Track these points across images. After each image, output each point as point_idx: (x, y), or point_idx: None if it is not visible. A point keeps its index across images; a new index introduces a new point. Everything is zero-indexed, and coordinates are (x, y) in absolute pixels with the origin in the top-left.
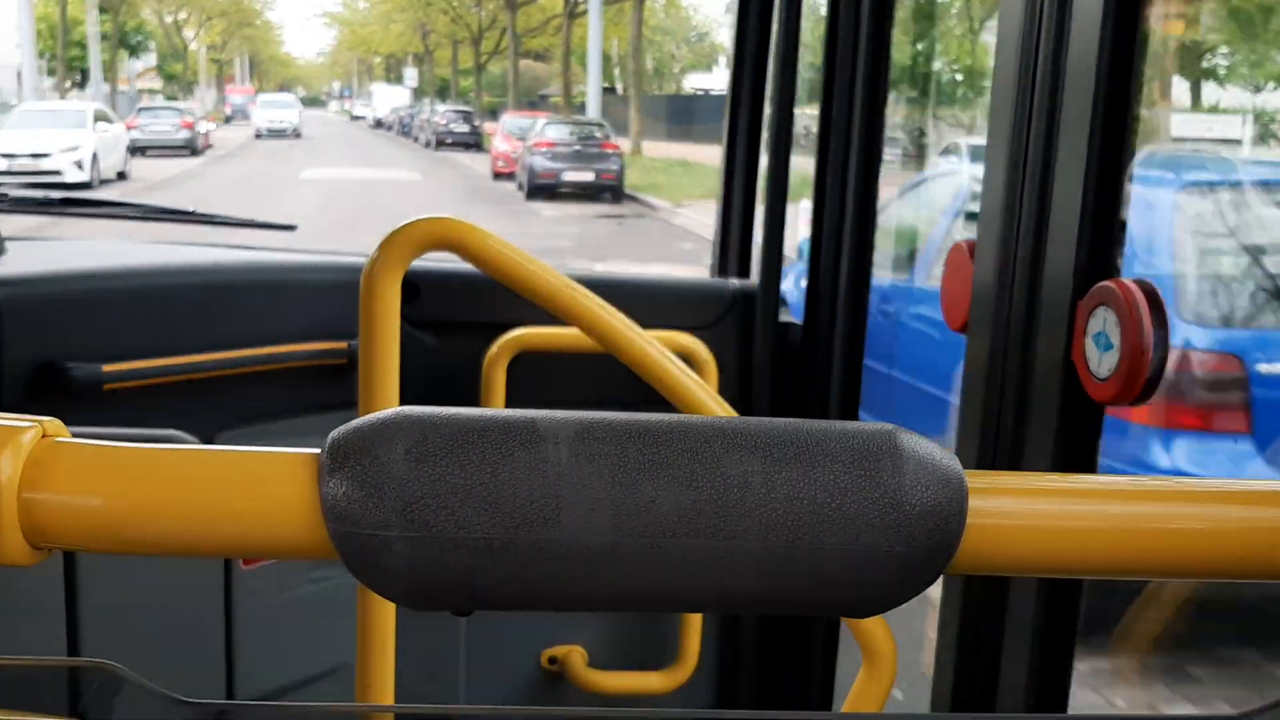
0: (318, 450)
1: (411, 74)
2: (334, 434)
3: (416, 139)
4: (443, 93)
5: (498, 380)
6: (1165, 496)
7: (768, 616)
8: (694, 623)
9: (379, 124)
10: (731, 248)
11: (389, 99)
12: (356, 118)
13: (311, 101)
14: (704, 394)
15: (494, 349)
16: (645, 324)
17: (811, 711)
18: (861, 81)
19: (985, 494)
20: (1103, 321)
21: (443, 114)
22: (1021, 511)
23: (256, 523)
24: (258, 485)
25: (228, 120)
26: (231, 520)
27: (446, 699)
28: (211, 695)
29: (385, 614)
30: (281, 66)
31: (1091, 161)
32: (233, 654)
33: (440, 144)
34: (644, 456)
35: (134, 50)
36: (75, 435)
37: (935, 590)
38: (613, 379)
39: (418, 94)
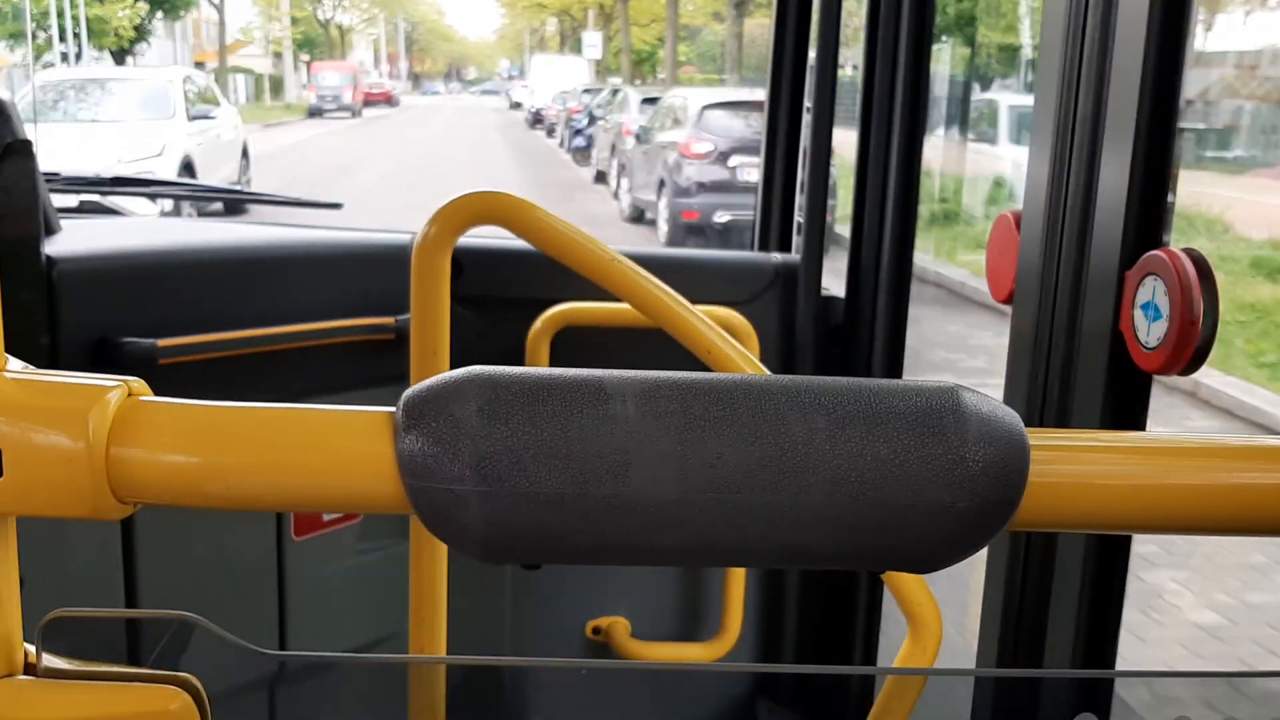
0: (393, 409)
1: (593, 40)
2: (408, 393)
3: (604, 176)
4: (640, 67)
5: (542, 355)
6: (1227, 453)
7: (810, 588)
8: (736, 594)
9: (537, 119)
10: (773, 222)
11: (554, 77)
12: (516, 105)
13: (481, 83)
14: (750, 368)
15: (538, 324)
16: (688, 298)
17: (858, 666)
18: (905, 51)
19: (1047, 451)
20: (1151, 291)
21: (707, 119)
22: (1083, 469)
23: (334, 478)
24: (335, 442)
25: (312, 115)
26: (310, 476)
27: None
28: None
29: (437, 582)
30: (443, 42)
31: (1140, 130)
32: (285, 624)
33: (696, 225)
34: (709, 413)
35: (167, 8)
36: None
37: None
38: (656, 353)
39: (600, 71)
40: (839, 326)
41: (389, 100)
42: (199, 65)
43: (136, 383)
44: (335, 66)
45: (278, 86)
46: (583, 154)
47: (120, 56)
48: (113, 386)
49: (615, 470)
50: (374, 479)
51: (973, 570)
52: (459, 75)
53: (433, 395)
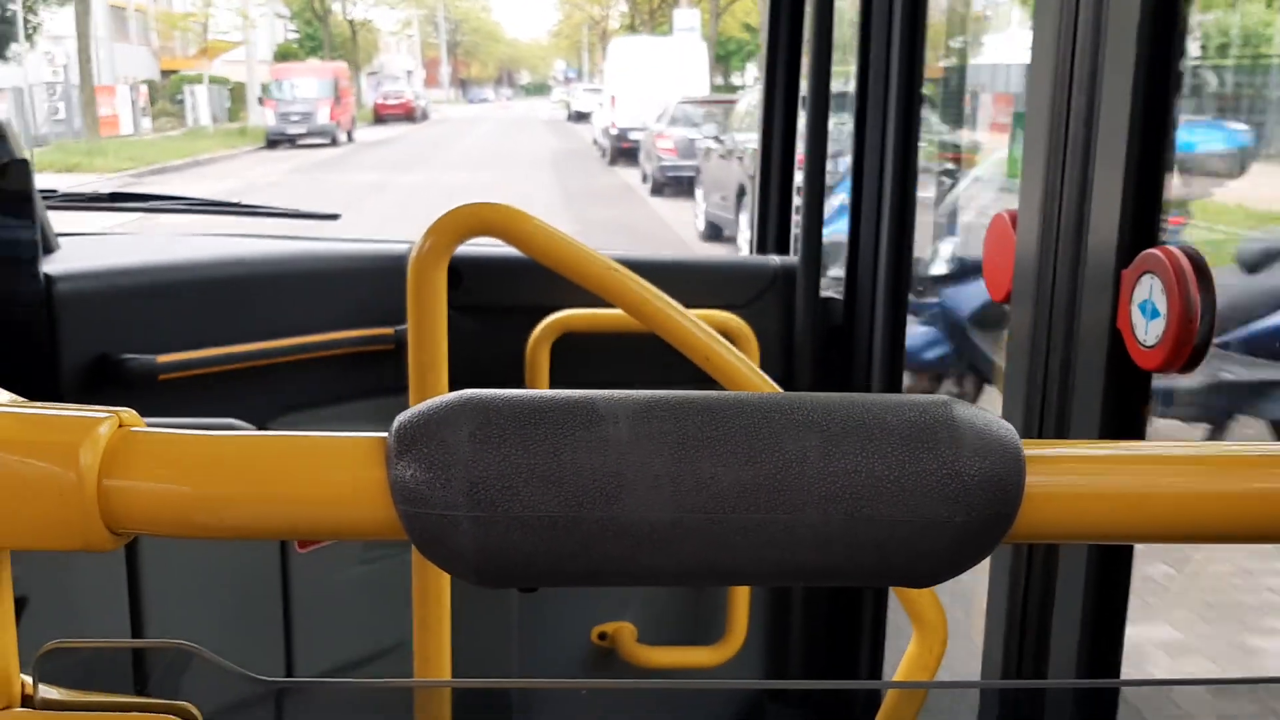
0: (384, 434)
1: (688, 19)
2: (400, 418)
3: None
4: (728, 60)
5: (542, 363)
6: (1222, 462)
7: (815, 591)
8: (742, 598)
9: (621, 145)
10: (771, 225)
11: (642, 74)
12: (578, 116)
13: (536, 89)
14: (749, 371)
15: (537, 332)
16: (686, 303)
17: (861, 680)
18: (898, 53)
19: (1042, 462)
20: (1149, 289)
21: None
22: (1079, 479)
23: (327, 505)
24: (328, 469)
25: (272, 144)
26: (303, 503)
27: (500, 675)
28: (272, 675)
29: (441, 593)
30: (492, 43)
31: (1134, 128)
32: (290, 635)
33: None
34: (703, 433)
35: None
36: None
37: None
38: (656, 359)
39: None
40: (838, 328)
41: (409, 114)
42: (166, 74)
43: (127, 413)
44: (309, 69)
45: None
46: None
47: None
48: (104, 418)
49: (609, 493)
50: (367, 506)
51: (976, 574)
52: (510, 80)
53: (424, 421)
